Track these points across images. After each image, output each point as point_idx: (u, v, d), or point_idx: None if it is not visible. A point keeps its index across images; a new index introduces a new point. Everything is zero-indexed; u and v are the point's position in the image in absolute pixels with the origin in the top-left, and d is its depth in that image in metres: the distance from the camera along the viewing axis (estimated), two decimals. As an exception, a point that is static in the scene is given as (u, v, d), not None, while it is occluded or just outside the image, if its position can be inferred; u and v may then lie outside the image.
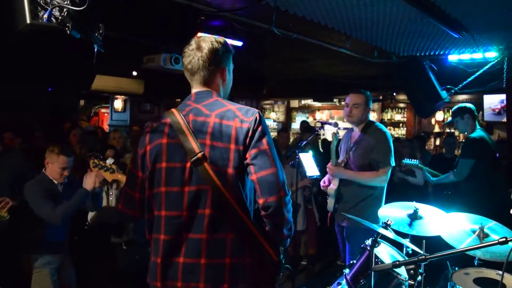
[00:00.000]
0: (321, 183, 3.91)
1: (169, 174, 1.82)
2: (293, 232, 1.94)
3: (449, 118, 4.94)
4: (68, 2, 1.91)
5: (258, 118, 1.84)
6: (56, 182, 3.45)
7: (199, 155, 1.77)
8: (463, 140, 5.78)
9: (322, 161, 5.00)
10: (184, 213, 1.80)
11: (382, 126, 3.64)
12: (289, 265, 4.72)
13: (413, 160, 5.09)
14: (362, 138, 3.59)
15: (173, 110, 1.90)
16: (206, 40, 1.97)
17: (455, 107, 4.65)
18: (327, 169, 3.65)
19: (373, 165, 3.49)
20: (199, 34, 4.91)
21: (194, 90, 1.97)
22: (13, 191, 4.12)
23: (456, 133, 9.28)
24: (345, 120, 3.73)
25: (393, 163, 3.50)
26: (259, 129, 1.82)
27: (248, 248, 1.82)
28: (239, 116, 1.83)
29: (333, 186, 3.69)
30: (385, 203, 3.53)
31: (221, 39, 2.03)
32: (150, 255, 1.89)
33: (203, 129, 1.82)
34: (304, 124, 9.21)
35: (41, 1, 1.86)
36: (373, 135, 3.51)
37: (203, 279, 1.76)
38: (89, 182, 3.32)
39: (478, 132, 4.40)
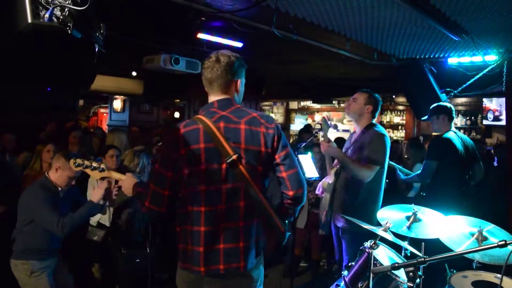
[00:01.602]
0: (317, 191, 3.88)
1: (208, 175, 2.11)
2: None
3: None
4: (70, 1, 1.91)
5: (277, 124, 2.26)
6: (59, 188, 3.37)
7: (234, 157, 2.08)
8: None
9: (322, 162, 4.99)
10: (223, 207, 2.13)
11: (381, 129, 3.60)
12: (290, 265, 4.71)
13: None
14: (360, 137, 3.60)
15: (202, 117, 2.16)
16: (224, 54, 2.23)
17: (433, 105, 4.53)
18: (321, 145, 3.50)
19: (362, 161, 3.41)
20: (199, 35, 4.93)
21: (214, 98, 2.25)
22: (2, 196, 4.07)
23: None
24: (346, 112, 3.79)
25: (382, 165, 3.39)
26: (281, 134, 2.24)
27: (265, 227, 2.25)
28: (264, 123, 2.20)
29: (329, 180, 3.67)
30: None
31: (237, 54, 2.28)
32: (182, 244, 2.19)
33: (236, 135, 2.14)
34: (305, 127, 9.18)
35: (42, 1, 1.86)
36: (369, 135, 3.50)
37: (242, 259, 2.15)
38: (98, 195, 3.31)
39: (447, 134, 4.24)
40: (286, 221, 2.34)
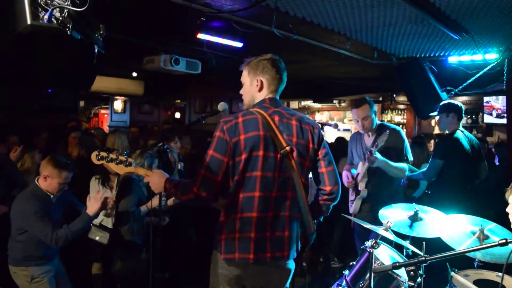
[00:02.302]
0: (345, 179, 3.85)
1: (265, 161, 2.23)
2: None
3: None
4: (69, 3, 1.91)
5: (318, 125, 2.49)
6: (51, 196, 3.22)
7: (287, 148, 2.25)
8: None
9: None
10: (274, 194, 2.26)
11: (394, 126, 3.81)
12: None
13: None
14: (378, 138, 3.61)
15: (258, 110, 2.32)
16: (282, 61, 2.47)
17: (443, 102, 4.56)
18: (367, 159, 3.54)
19: (399, 161, 3.66)
20: (199, 35, 4.93)
21: (264, 96, 2.41)
22: (4, 198, 4.05)
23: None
24: (362, 132, 3.85)
25: (411, 158, 3.73)
26: (323, 134, 2.47)
27: (301, 222, 2.38)
28: (310, 123, 2.42)
29: (361, 188, 3.71)
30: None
31: None
32: (227, 234, 2.24)
33: (289, 129, 2.31)
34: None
35: (41, 2, 1.86)
36: (391, 136, 3.53)
37: (286, 248, 2.28)
38: (94, 207, 3.16)
39: (455, 134, 4.25)
40: (315, 221, 2.47)
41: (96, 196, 3.22)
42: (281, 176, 2.27)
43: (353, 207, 3.83)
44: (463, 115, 4.40)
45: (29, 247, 3.16)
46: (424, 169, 4.39)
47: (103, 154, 2.56)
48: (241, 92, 2.53)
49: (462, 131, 4.32)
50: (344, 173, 3.90)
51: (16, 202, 3.19)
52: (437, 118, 4.59)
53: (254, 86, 2.42)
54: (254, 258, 2.21)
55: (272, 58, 2.42)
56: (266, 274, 2.29)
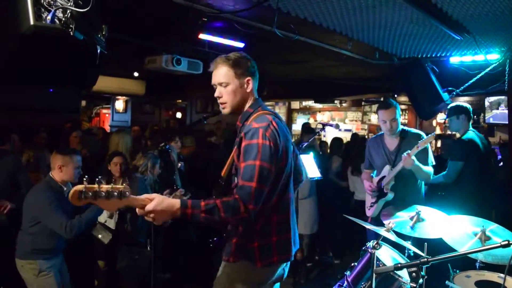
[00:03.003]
0: (367, 187, 3.92)
1: (291, 164, 2.28)
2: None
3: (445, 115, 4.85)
4: (72, 3, 1.91)
5: None
6: (64, 188, 3.37)
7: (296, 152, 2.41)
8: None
9: (321, 163, 5.00)
10: (292, 195, 2.35)
11: (416, 131, 3.94)
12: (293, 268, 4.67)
13: None
14: (402, 143, 3.77)
15: (269, 112, 2.29)
16: None
17: (452, 104, 4.59)
18: (404, 161, 3.55)
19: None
20: (201, 36, 4.94)
21: (256, 96, 2.35)
22: (9, 194, 4.09)
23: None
24: (388, 133, 3.87)
25: (433, 162, 3.82)
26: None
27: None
28: None
29: (387, 191, 3.74)
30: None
31: None
32: (273, 237, 2.20)
33: (288, 131, 2.33)
34: (305, 125, 9.21)
35: (44, 3, 1.87)
36: (415, 140, 3.61)
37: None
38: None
39: (469, 134, 4.33)
40: None
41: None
42: (291, 177, 2.32)
43: (373, 210, 3.86)
44: (472, 115, 4.46)
45: (39, 240, 3.26)
46: (444, 172, 4.41)
47: (89, 190, 1.86)
48: (225, 94, 2.26)
49: (473, 131, 4.40)
50: (366, 183, 3.97)
51: (31, 194, 3.31)
52: (446, 120, 4.61)
53: (243, 87, 2.28)
54: (290, 256, 2.28)
55: (247, 56, 2.33)
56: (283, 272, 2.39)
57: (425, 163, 3.69)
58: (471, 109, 4.44)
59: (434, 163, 3.82)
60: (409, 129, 3.94)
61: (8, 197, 4.01)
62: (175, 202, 1.99)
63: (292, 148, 2.34)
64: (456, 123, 4.44)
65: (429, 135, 3.52)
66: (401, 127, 3.86)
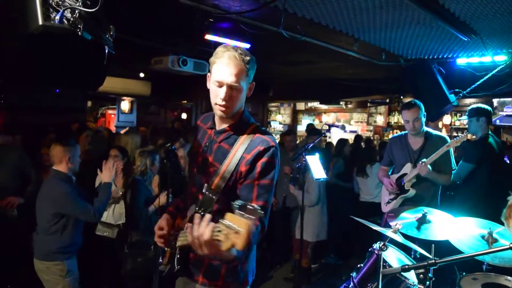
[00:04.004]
0: (387, 184, 3.98)
1: None
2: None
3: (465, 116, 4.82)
4: (80, 3, 1.92)
5: None
6: (74, 178, 3.44)
7: None
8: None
9: (327, 164, 4.99)
10: None
11: (440, 134, 3.99)
12: (296, 267, 4.68)
13: None
14: (427, 144, 3.80)
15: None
16: None
17: (474, 106, 4.52)
18: (419, 169, 3.64)
19: (445, 170, 3.79)
20: (207, 36, 4.94)
21: None
22: (17, 189, 4.12)
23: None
24: (411, 133, 3.92)
25: (455, 166, 3.88)
26: None
27: None
28: None
29: (408, 188, 3.80)
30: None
31: None
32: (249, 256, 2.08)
33: None
34: (309, 126, 9.20)
35: (53, 3, 1.87)
36: (438, 144, 3.69)
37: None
38: (107, 174, 3.46)
39: (487, 138, 4.30)
40: None
41: (106, 166, 3.50)
42: None
43: (391, 206, 3.89)
44: (492, 118, 4.45)
45: (62, 237, 3.25)
46: (453, 171, 4.40)
47: None
48: (234, 99, 1.91)
49: (492, 135, 4.36)
50: (386, 180, 4.02)
51: (46, 191, 3.28)
52: (465, 121, 4.58)
53: (247, 92, 1.98)
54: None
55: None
56: None
57: (447, 166, 3.75)
58: (491, 112, 4.41)
59: (455, 167, 3.85)
60: (434, 132, 3.96)
61: (16, 192, 4.03)
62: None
63: None
64: (476, 125, 4.38)
65: (460, 136, 3.59)
66: (425, 128, 3.88)
